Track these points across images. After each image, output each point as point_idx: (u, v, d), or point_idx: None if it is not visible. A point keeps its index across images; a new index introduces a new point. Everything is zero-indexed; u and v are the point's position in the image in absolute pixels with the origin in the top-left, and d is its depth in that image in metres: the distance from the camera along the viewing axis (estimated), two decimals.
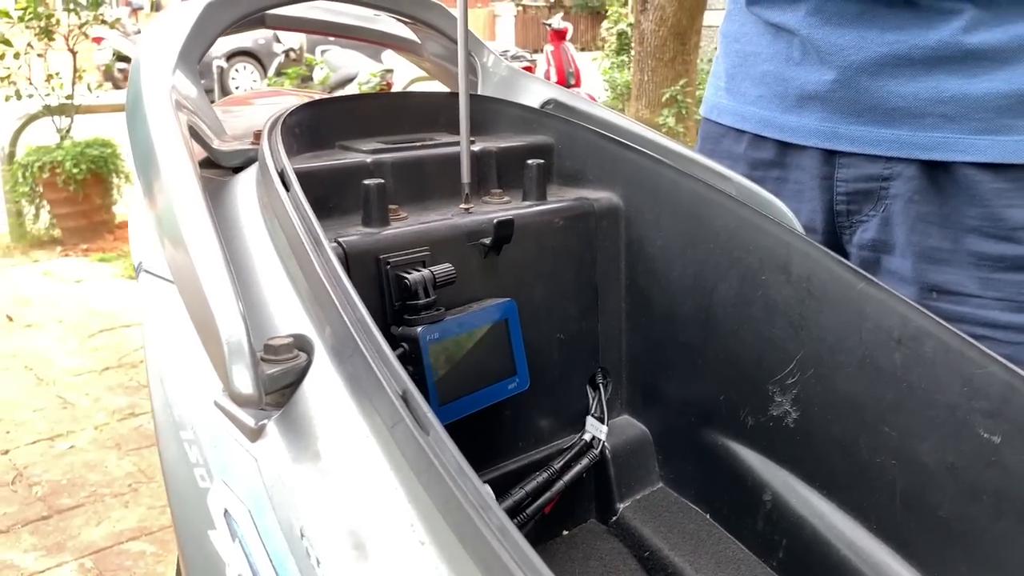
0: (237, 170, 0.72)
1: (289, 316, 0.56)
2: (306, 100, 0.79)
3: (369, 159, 0.74)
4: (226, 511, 0.50)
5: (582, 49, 15.53)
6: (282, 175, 0.61)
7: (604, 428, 0.82)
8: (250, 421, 0.51)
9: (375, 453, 0.46)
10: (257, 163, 0.68)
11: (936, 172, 0.78)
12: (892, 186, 0.80)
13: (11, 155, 4.53)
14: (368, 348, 0.48)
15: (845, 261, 0.71)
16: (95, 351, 3.26)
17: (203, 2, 0.75)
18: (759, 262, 0.75)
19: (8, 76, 4.38)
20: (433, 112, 0.86)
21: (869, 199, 0.83)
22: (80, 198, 4.47)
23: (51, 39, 4.43)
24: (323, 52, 7.70)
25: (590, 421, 0.82)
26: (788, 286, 0.73)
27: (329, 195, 0.71)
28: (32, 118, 4.55)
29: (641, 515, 0.81)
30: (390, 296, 0.66)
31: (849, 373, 0.70)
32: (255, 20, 0.91)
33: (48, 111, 4.49)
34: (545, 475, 0.77)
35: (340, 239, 0.65)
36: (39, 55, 4.43)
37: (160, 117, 0.65)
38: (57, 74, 4.45)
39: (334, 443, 0.48)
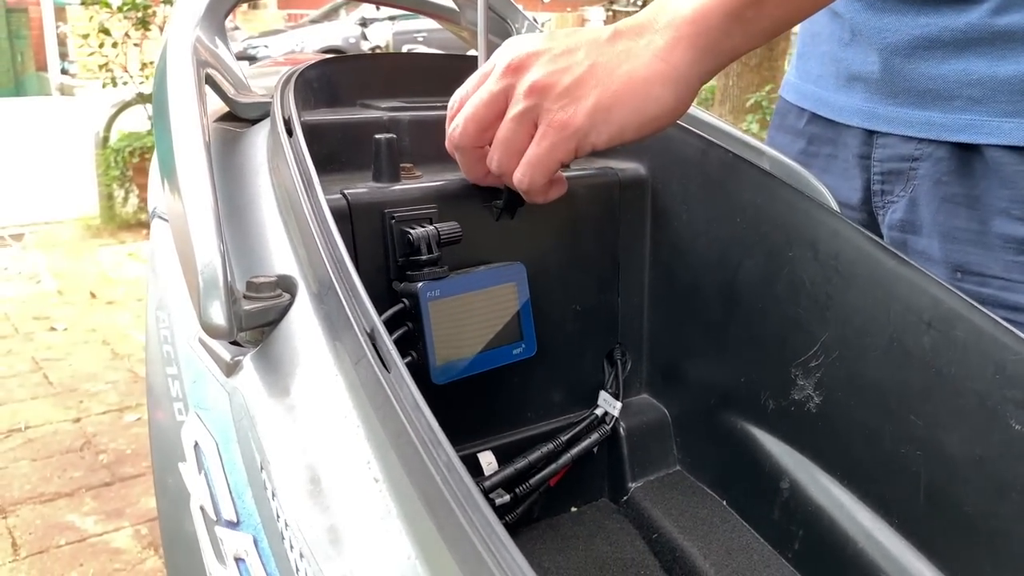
0: (256, 123, 0.73)
1: (280, 259, 0.56)
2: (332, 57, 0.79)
3: (385, 116, 0.73)
4: (196, 443, 0.50)
5: None
6: (287, 122, 0.61)
7: (618, 404, 0.79)
8: (226, 355, 0.50)
9: (340, 390, 0.46)
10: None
11: (966, 154, 0.77)
12: (920, 167, 0.80)
13: (105, 140, 4.72)
14: (342, 286, 0.47)
15: (875, 238, 0.67)
16: None
17: None
18: (786, 238, 0.71)
19: (106, 64, 4.57)
20: (460, 76, 0.85)
21: (900, 179, 0.82)
22: None
23: (147, 29, 4.60)
24: (409, 50, 7.81)
25: (603, 396, 0.80)
26: (815, 263, 0.70)
27: (342, 149, 0.71)
28: (126, 105, 4.73)
29: (653, 496, 0.78)
30: (394, 251, 0.66)
31: (875, 357, 0.66)
32: None
33: (141, 99, 4.67)
34: (550, 446, 0.75)
35: (346, 191, 0.64)
36: (135, 44, 4.61)
37: (177, 66, 0.65)
38: (152, 63, 4.62)
39: (304, 379, 0.48)
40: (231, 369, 0.50)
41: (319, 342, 0.49)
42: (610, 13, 16.66)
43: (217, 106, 0.76)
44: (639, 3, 12.77)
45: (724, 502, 0.78)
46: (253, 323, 0.50)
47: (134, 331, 3.33)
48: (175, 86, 0.62)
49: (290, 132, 0.60)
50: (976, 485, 0.60)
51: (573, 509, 0.80)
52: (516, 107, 0.59)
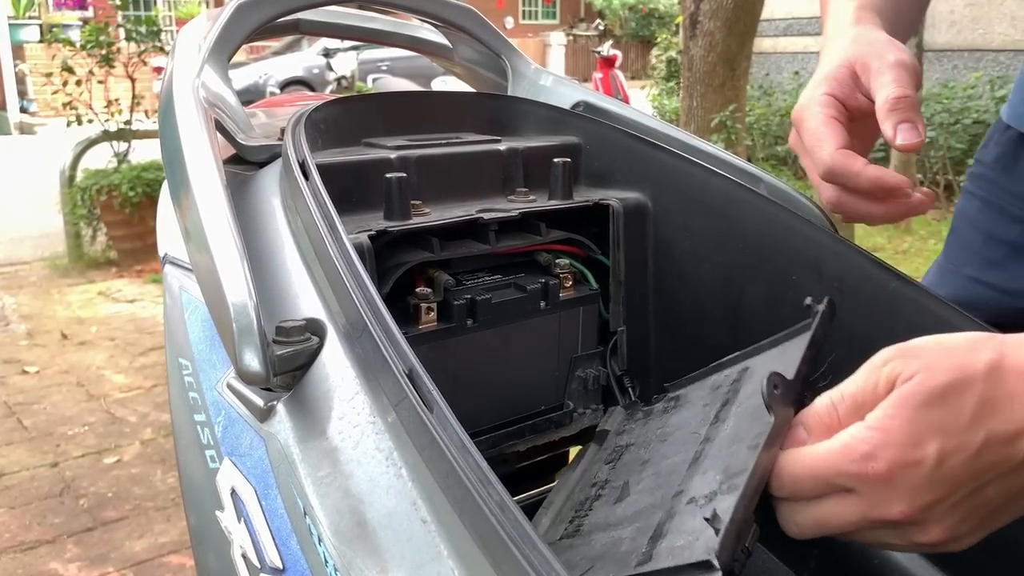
0: (263, 165, 0.73)
1: (305, 302, 0.56)
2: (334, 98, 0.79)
3: (393, 155, 0.74)
4: (233, 490, 0.49)
5: (632, 77, 15.55)
6: (302, 165, 0.62)
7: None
8: (259, 401, 0.51)
9: (380, 431, 0.46)
10: (281, 157, 0.68)
11: None
12: None
13: (71, 178, 4.66)
14: (376, 328, 0.48)
15: (878, 259, 0.68)
16: (144, 369, 3.32)
17: (234, 3, 0.76)
18: (789, 262, 0.73)
19: (70, 102, 4.52)
20: (460, 112, 0.87)
21: None
22: (135, 220, 4.58)
23: (112, 66, 4.56)
24: (374, 80, 7.81)
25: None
26: (819, 286, 0.71)
27: (352, 189, 0.71)
28: (91, 143, 4.68)
29: None
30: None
31: None
32: (289, 26, 0.93)
33: (107, 136, 4.62)
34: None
35: (361, 231, 0.65)
36: (99, 82, 4.56)
37: (186, 113, 0.66)
38: (116, 100, 4.58)
39: (341, 422, 0.48)
40: (265, 415, 0.50)
41: (354, 384, 0.49)
42: (571, 38, 16.85)
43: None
44: (601, 27, 12.94)
45: None
46: (285, 368, 0.50)
47: (108, 371, 3.28)
48: (188, 134, 0.62)
49: (307, 175, 0.60)
50: None
51: None
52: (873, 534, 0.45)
